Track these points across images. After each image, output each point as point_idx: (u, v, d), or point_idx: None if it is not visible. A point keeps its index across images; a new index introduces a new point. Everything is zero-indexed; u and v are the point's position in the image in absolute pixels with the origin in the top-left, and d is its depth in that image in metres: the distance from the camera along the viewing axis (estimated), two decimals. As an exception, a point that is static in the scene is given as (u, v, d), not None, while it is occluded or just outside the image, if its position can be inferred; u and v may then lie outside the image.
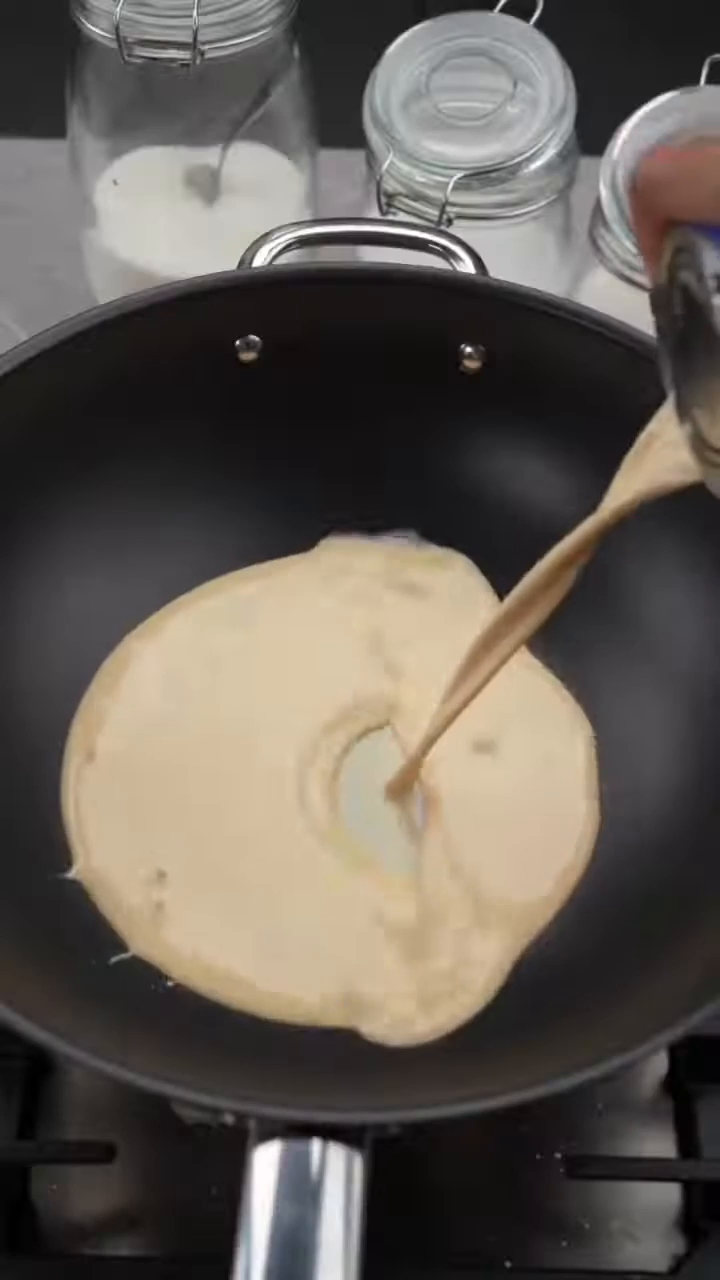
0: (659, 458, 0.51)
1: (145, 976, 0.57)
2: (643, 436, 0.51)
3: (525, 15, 0.73)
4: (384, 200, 0.71)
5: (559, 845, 0.60)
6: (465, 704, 0.57)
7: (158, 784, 0.62)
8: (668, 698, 0.63)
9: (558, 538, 0.54)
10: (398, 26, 0.74)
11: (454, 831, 0.61)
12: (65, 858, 0.60)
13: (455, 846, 0.60)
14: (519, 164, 0.70)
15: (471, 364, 0.65)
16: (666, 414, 0.48)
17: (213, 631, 0.66)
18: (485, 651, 0.56)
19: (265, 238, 0.66)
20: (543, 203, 0.72)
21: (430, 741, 0.59)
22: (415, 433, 0.67)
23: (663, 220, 0.42)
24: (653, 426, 0.51)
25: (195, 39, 0.70)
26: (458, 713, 0.58)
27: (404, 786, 0.62)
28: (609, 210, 0.70)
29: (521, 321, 0.63)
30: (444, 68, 0.73)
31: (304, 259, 0.70)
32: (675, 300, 0.43)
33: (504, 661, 0.56)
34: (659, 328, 0.45)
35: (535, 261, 0.76)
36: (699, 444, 0.44)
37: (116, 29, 0.70)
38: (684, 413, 0.45)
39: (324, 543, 0.68)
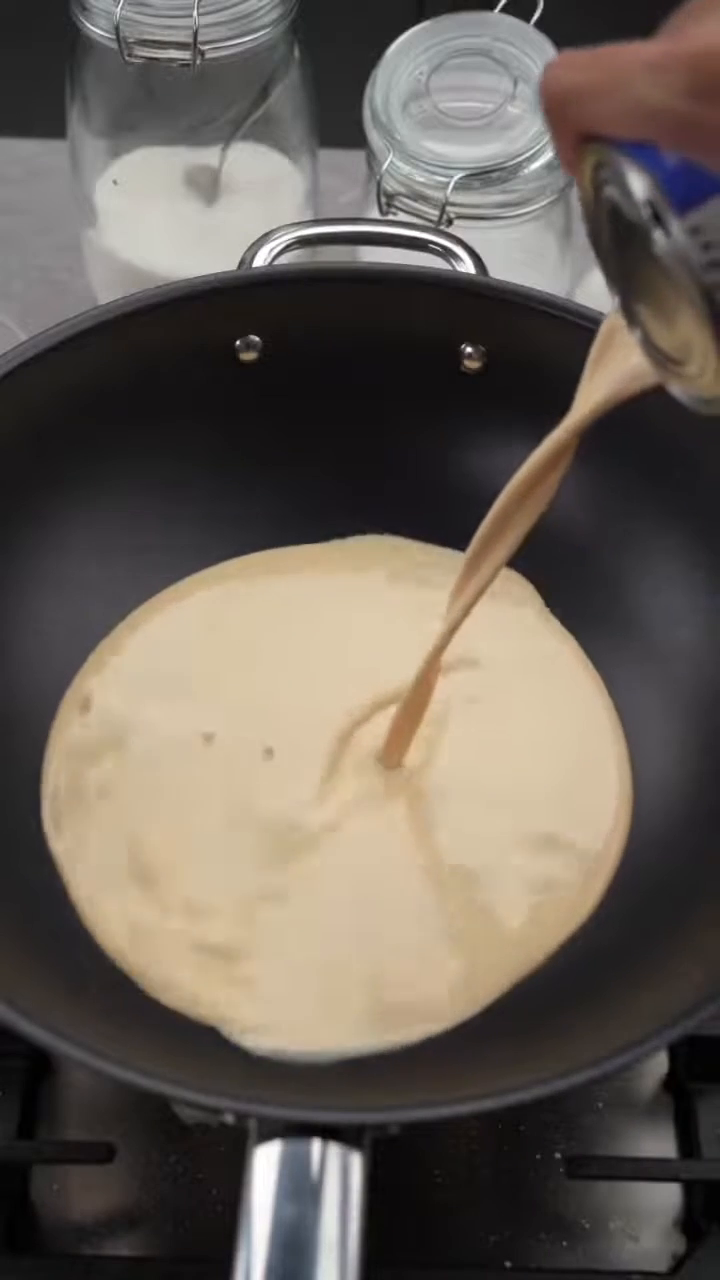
0: (616, 362, 0.49)
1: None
2: (602, 330, 0.50)
3: (525, 15, 0.73)
4: (384, 200, 0.71)
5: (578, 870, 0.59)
6: (453, 629, 0.56)
7: (137, 780, 0.61)
8: (667, 698, 0.63)
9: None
10: (398, 26, 0.74)
11: (454, 830, 0.60)
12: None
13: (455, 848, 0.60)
14: (519, 164, 0.70)
15: (472, 364, 0.65)
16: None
17: (209, 624, 0.65)
18: (469, 572, 0.55)
19: (265, 238, 0.66)
20: (543, 203, 0.72)
21: (428, 670, 0.57)
22: (415, 433, 0.67)
23: (578, 135, 0.38)
24: (608, 321, 0.49)
25: (195, 39, 0.70)
26: (450, 634, 0.56)
27: (400, 743, 0.60)
28: (609, 210, 0.70)
29: (521, 321, 0.63)
30: (444, 68, 0.73)
31: (304, 259, 0.70)
32: (602, 214, 0.41)
33: (489, 581, 0.55)
34: (591, 235, 0.42)
35: (535, 261, 0.76)
36: (650, 348, 0.43)
37: (116, 29, 0.70)
38: (631, 318, 0.43)
39: (334, 543, 0.68)
